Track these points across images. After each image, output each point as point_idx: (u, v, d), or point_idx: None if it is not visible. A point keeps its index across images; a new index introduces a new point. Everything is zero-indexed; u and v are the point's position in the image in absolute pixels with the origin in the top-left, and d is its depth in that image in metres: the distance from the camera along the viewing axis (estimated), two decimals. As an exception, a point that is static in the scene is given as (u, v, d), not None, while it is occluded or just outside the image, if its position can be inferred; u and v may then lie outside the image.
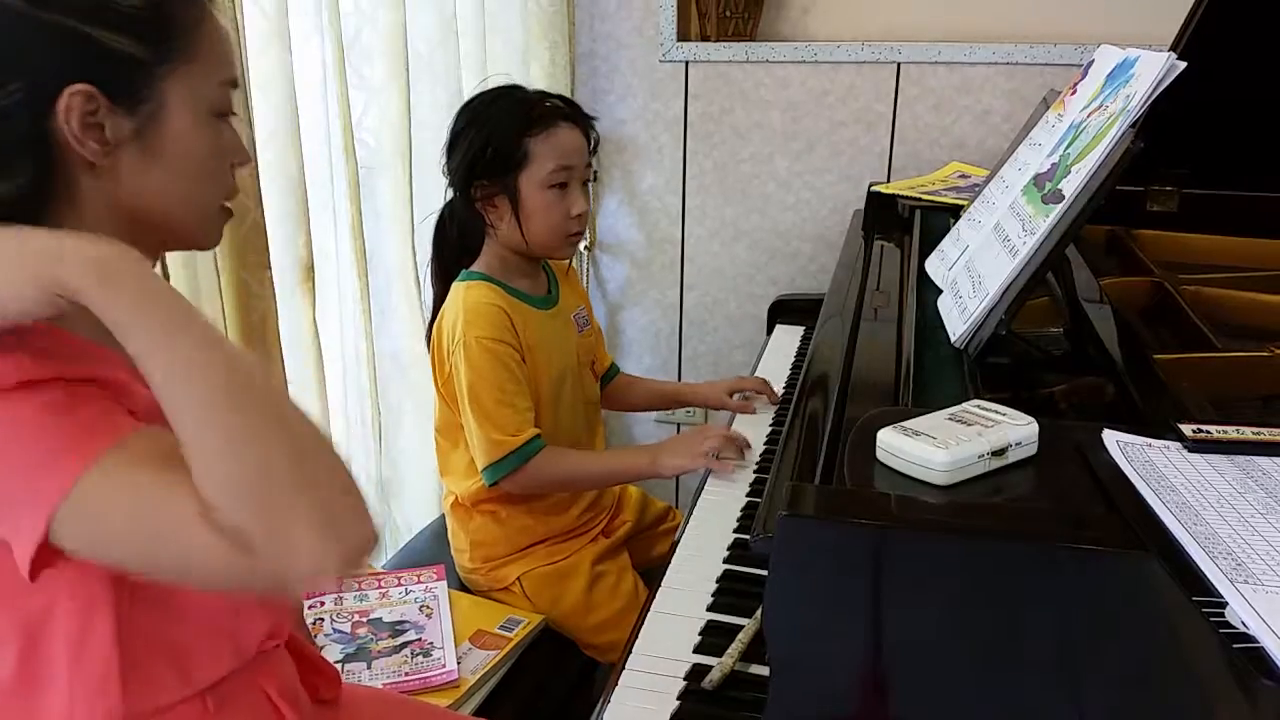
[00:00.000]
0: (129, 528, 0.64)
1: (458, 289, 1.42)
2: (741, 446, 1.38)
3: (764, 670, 0.79)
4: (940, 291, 1.19)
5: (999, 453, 0.73)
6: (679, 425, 2.46)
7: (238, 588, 0.70)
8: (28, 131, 0.69)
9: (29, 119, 0.69)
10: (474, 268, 1.45)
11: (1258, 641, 0.54)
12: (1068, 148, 1.07)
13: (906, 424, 0.74)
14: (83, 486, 0.63)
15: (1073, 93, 1.21)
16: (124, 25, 0.70)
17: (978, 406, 0.77)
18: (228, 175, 0.81)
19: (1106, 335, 1.01)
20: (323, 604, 1.38)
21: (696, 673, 0.93)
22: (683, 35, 2.22)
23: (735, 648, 0.94)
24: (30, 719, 0.73)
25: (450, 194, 1.45)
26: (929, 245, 1.38)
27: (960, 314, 1.05)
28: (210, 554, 0.61)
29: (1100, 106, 1.05)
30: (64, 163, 0.71)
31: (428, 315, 1.53)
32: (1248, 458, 0.74)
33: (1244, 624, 0.55)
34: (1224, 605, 0.57)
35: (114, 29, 0.70)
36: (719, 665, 0.92)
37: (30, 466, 0.64)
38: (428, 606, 1.38)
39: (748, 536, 1.14)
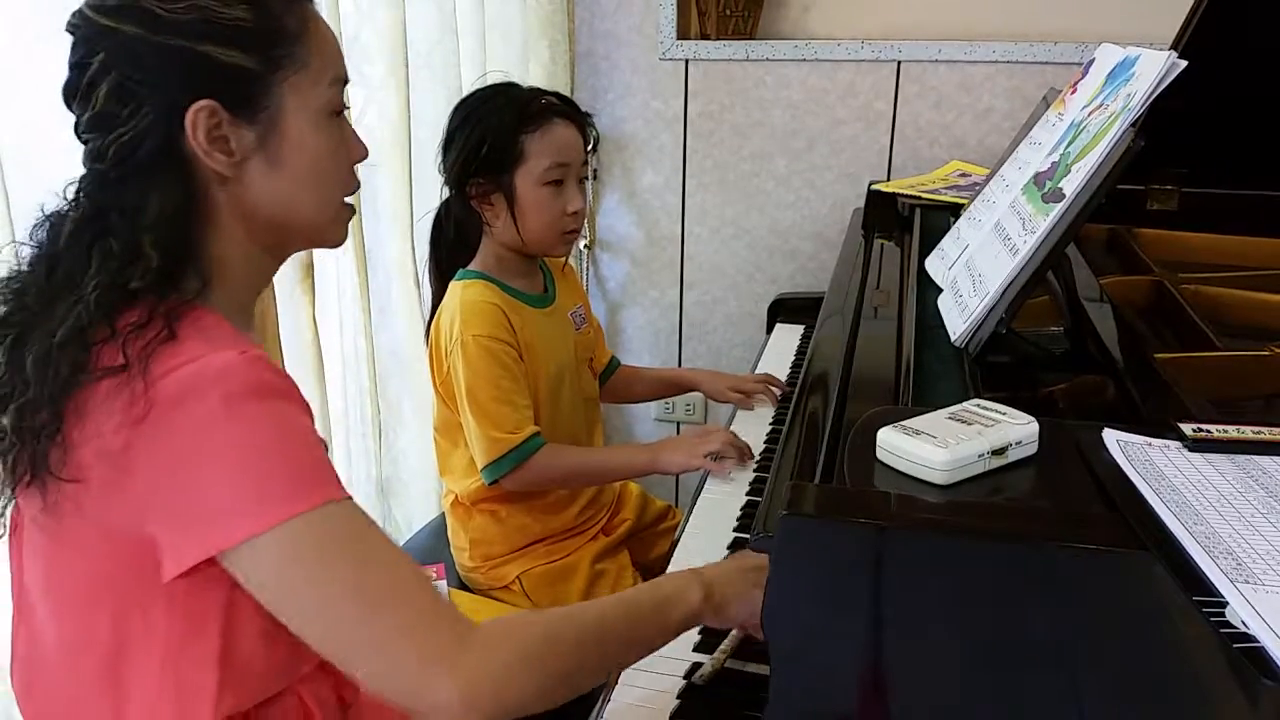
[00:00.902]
0: (327, 590, 0.69)
1: (455, 288, 1.42)
2: (742, 451, 1.38)
3: (764, 669, 0.79)
4: (940, 290, 1.19)
5: (999, 452, 0.72)
6: (678, 424, 2.46)
7: (399, 702, 0.72)
8: (164, 150, 0.73)
9: (162, 138, 0.72)
10: (471, 266, 1.45)
11: (1258, 641, 0.54)
12: (1068, 146, 1.06)
13: (906, 423, 0.74)
14: (293, 527, 0.66)
15: (1073, 91, 1.21)
16: (234, 40, 0.73)
17: (978, 405, 0.77)
18: (348, 172, 0.83)
19: (1107, 334, 1.00)
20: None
21: (697, 672, 0.93)
22: (683, 33, 2.22)
23: (727, 643, 0.94)
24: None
25: (447, 192, 1.45)
26: (929, 244, 1.38)
27: (960, 313, 1.05)
28: (428, 696, 0.69)
29: (1101, 105, 1.04)
30: (198, 177, 0.75)
31: (427, 313, 1.53)
32: (1248, 457, 0.73)
33: (1244, 623, 0.55)
34: (1224, 605, 0.57)
35: (225, 44, 0.73)
36: (710, 660, 0.92)
37: (244, 483, 0.66)
38: (427, 605, 1.38)
39: (748, 535, 1.14)
